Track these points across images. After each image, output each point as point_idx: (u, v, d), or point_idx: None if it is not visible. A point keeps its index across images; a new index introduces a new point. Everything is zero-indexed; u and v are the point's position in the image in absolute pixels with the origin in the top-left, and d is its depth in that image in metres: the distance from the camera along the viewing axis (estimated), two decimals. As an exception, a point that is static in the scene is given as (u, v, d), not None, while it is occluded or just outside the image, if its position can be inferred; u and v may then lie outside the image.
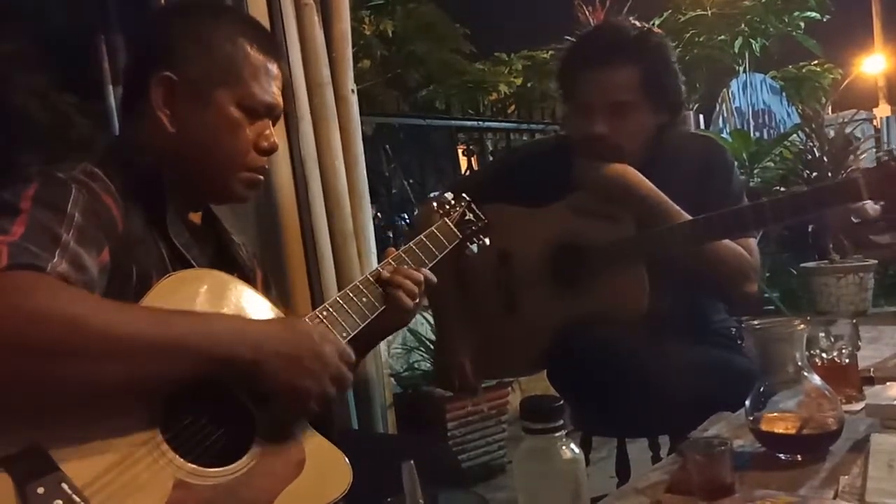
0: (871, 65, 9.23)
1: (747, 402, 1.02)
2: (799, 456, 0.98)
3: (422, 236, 1.26)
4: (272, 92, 1.11)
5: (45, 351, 0.78)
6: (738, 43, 6.01)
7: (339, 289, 1.19)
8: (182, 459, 0.87)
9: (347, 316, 1.07)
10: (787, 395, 1.00)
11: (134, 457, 0.83)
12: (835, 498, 0.86)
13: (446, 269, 1.27)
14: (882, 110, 8.45)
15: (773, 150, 4.47)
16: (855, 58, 8.97)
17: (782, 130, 5.88)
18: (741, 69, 6.23)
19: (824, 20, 6.32)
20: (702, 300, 1.59)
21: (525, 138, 5.01)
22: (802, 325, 1.01)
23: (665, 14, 6.07)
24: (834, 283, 3.64)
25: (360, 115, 2.15)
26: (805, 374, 1.00)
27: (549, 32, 4.65)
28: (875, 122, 7.62)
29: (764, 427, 1.00)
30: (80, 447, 0.80)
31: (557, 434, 0.79)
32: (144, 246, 0.99)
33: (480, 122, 5.09)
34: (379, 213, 4.79)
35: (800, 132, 4.11)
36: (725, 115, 6.12)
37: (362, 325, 1.09)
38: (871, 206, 3.05)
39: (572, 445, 0.80)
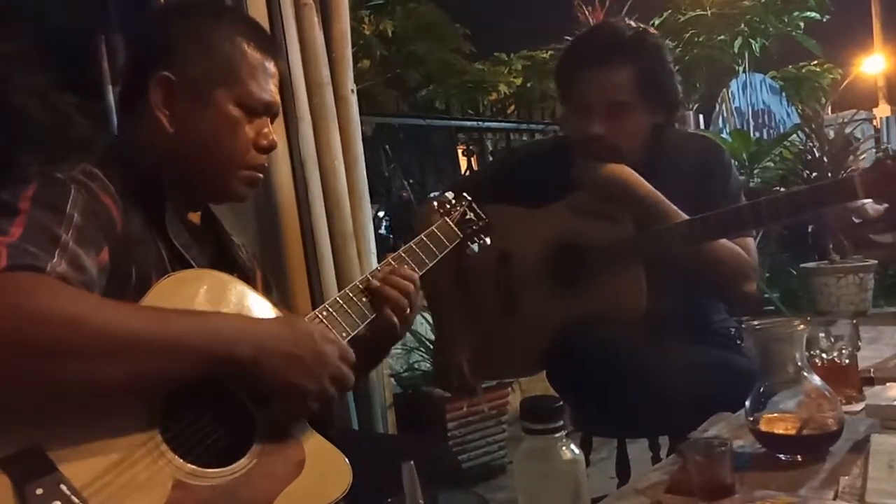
0: (870, 65, 9.22)
1: (747, 403, 1.02)
2: (799, 456, 0.98)
3: (422, 236, 1.26)
4: (270, 90, 1.11)
5: (46, 351, 0.78)
6: (737, 43, 6.01)
7: (339, 289, 1.19)
8: (181, 460, 0.87)
9: (347, 316, 1.07)
10: (787, 396, 1.00)
11: (133, 457, 0.83)
12: (835, 498, 0.86)
13: (446, 270, 1.27)
14: (882, 110, 8.45)
15: (772, 151, 4.47)
16: (855, 58, 8.97)
17: (782, 130, 5.88)
18: (741, 69, 6.23)
19: (824, 20, 6.31)
20: (701, 300, 1.59)
21: (525, 138, 5.02)
22: (802, 326, 1.01)
23: (665, 14, 6.07)
24: (834, 284, 3.64)
25: (360, 115, 2.15)
26: (805, 374, 1.00)
27: (549, 32, 4.66)
28: (875, 123, 7.62)
29: (764, 427, 1.00)
30: (79, 448, 0.80)
31: (557, 434, 0.79)
32: (144, 246, 0.99)
33: (480, 123, 5.09)
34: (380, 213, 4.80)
35: (799, 132, 4.11)
36: (725, 115, 6.12)
37: (362, 326, 1.09)
38: (872, 206, 3.05)
39: (572, 446, 0.80)
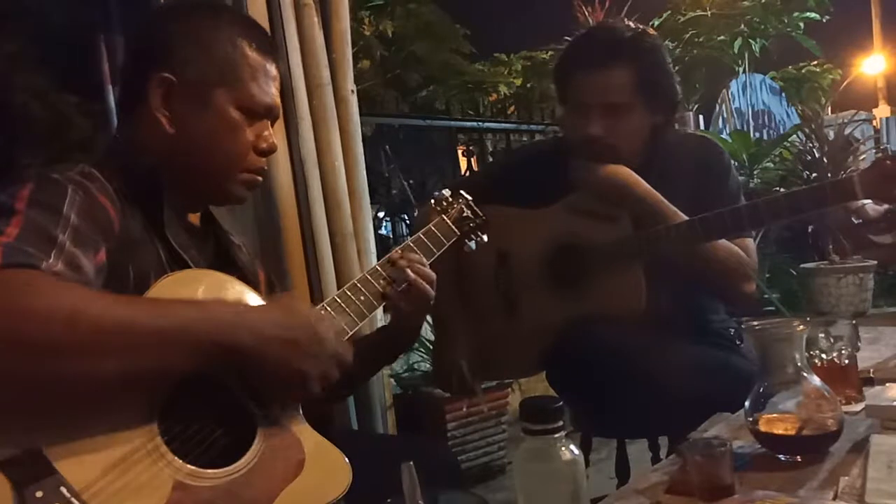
0: (870, 65, 9.24)
1: (747, 403, 1.02)
2: (798, 457, 0.98)
3: (420, 234, 1.26)
4: (271, 93, 1.11)
5: (45, 348, 0.77)
6: (737, 43, 6.01)
7: (339, 289, 1.19)
8: (181, 461, 0.87)
9: (345, 315, 1.07)
10: (787, 396, 1.00)
11: (132, 459, 0.83)
12: (834, 499, 0.86)
13: (445, 270, 1.27)
14: (881, 111, 8.46)
15: (772, 151, 4.46)
16: (854, 58, 8.99)
17: (782, 131, 5.88)
18: (741, 70, 6.22)
19: (824, 21, 6.31)
20: (701, 301, 1.59)
21: (525, 139, 5.02)
22: (802, 326, 1.01)
23: (665, 14, 6.07)
24: (834, 284, 3.63)
25: (360, 115, 2.15)
26: (805, 374, 1.00)
27: (549, 33, 4.65)
28: (875, 123, 7.62)
29: (763, 428, 1.00)
30: (79, 450, 0.80)
31: (557, 435, 0.80)
32: (141, 247, 0.99)
33: (480, 123, 5.10)
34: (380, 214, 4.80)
35: (799, 133, 4.09)
36: (725, 115, 6.11)
37: (360, 324, 1.09)
38: (872, 207, 3.05)
39: (572, 446, 0.80)
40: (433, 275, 1.19)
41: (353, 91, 2.09)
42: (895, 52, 9.33)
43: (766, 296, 3.43)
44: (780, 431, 0.99)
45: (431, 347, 1.73)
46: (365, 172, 2.14)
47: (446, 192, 1.37)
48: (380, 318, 1.95)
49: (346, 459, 0.97)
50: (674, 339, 1.45)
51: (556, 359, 1.50)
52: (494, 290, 1.63)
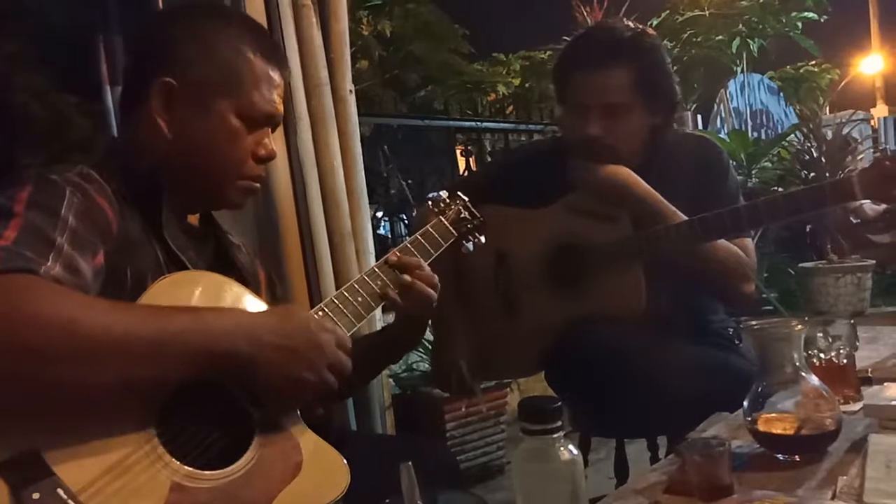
0: (868, 65, 9.23)
1: (745, 403, 1.02)
2: (797, 456, 0.98)
3: (417, 235, 1.26)
4: (273, 101, 1.09)
5: (43, 354, 0.77)
6: (735, 43, 6.02)
7: (337, 289, 1.19)
8: (179, 463, 0.86)
9: (343, 316, 1.07)
10: (785, 396, 1.00)
11: (130, 461, 0.83)
12: (833, 498, 0.86)
13: (444, 271, 1.27)
14: (879, 111, 8.46)
15: (770, 151, 4.47)
16: (852, 58, 8.99)
17: (780, 131, 5.88)
18: (739, 69, 6.23)
19: (822, 21, 6.32)
20: (700, 300, 1.59)
21: (523, 139, 5.02)
22: (800, 326, 1.01)
23: (663, 14, 6.08)
24: (832, 284, 3.63)
25: (359, 115, 2.15)
26: (803, 374, 1.00)
27: (547, 33, 4.65)
28: (873, 123, 7.62)
29: (762, 427, 1.00)
30: (76, 452, 0.80)
31: (556, 435, 0.79)
32: (140, 248, 0.99)
33: (479, 123, 5.09)
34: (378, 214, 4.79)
35: (797, 133, 4.10)
36: (723, 115, 6.12)
37: (358, 326, 1.09)
38: (870, 206, 3.05)
39: (571, 446, 0.80)
40: (434, 277, 1.18)
41: (351, 91, 2.09)
42: (893, 52, 9.33)
43: (764, 295, 3.43)
44: (779, 431, 0.99)
45: (430, 347, 1.73)
46: (363, 172, 2.13)
47: (443, 194, 1.36)
48: (379, 318, 1.96)
49: (345, 461, 0.97)
50: (673, 339, 1.45)
51: (555, 359, 1.50)
52: (494, 290, 1.63)
